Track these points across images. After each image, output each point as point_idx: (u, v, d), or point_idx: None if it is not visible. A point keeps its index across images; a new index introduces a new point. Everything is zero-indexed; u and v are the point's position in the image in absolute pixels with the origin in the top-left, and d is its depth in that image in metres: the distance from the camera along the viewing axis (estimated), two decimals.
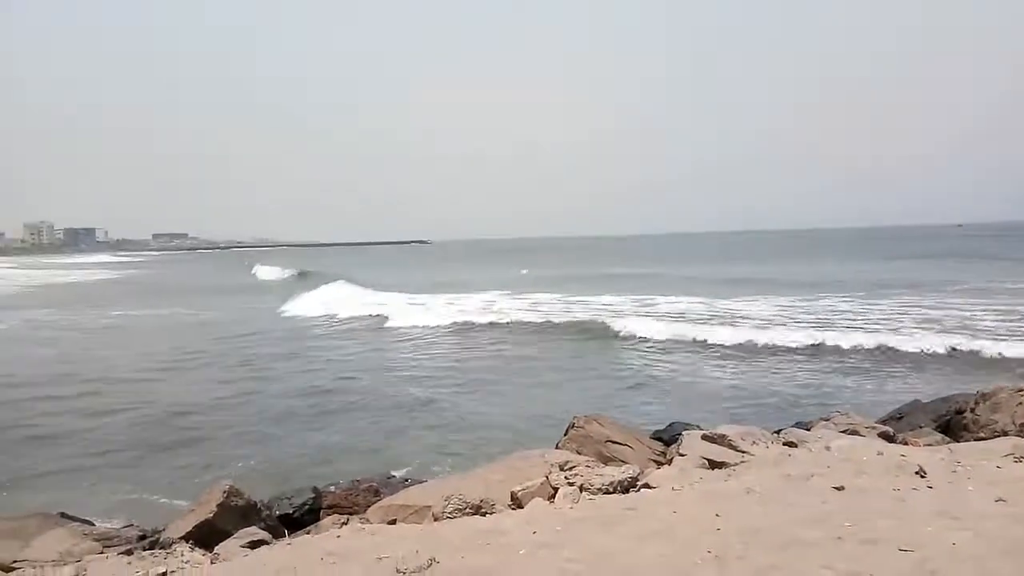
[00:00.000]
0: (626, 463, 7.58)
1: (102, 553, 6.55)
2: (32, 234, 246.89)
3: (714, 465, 7.01)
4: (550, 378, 16.66)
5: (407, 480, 9.62)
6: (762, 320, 24.00)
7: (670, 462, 7.75)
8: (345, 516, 7.43)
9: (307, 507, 8.31)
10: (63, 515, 7.89)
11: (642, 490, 6.40)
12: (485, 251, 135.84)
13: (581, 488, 6.42)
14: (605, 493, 6.40)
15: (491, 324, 25.71)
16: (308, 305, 34.22)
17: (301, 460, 11.17)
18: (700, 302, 29.41)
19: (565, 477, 6.64)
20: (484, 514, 6.13)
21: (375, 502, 7.84)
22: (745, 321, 23.90)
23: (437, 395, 14.86)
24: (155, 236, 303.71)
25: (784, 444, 7.51)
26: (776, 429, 9.18)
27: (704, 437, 7.66)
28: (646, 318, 24.61)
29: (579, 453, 7.96)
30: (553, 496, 6.44)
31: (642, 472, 7.15)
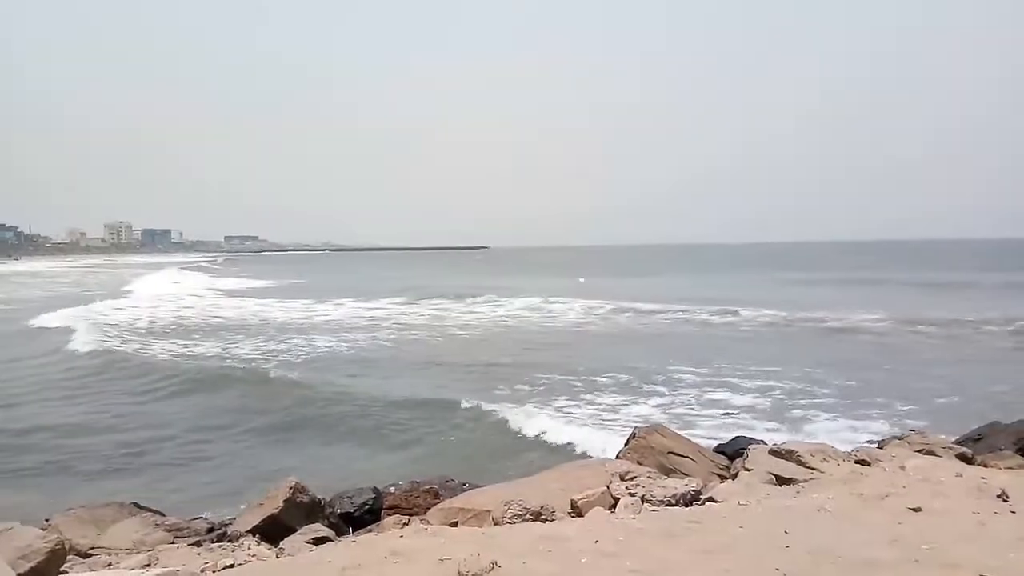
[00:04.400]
0: (688, 476, 7.45)
1: (173, 543, 6.77)
2: (112, 234, 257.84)
3: (782, 481, 6.82)
4: None
5: (465, 484, 9.67)
6: None
7: (735, 476, 7.58)
8: (406, 517, 7.50)
9: (367, 507, 8.40)
10: (136, 505, 8.18)
11: (706, 503, 6.28)
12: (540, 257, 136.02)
13: (643, 499, 6.34)
14: (667, 505, 6.31)
15: None
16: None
17: None
18: None
19: (626, 487, 6.57)
20: (544, 521, 6.10)
21: (434, 504, 7.90)
22: None
23: None
24: (227, 238, 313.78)
25: (856, 462, 7.26)
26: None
27: (771, 452, 7.47)
28: None
29: (640, 464, 7.86)
30: (614, 506, 6.38)
31: (705, 485, 7.02)
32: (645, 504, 6.22)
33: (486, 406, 13.62)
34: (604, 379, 16.56)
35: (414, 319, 31.85)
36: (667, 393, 15.13)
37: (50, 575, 5.20)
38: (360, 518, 8.19)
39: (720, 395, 14.85)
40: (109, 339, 25.02)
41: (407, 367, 19.39)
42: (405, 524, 6.86)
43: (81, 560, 6.19)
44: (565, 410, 13.68)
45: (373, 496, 8.54)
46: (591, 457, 10.18)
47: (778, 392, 14.99)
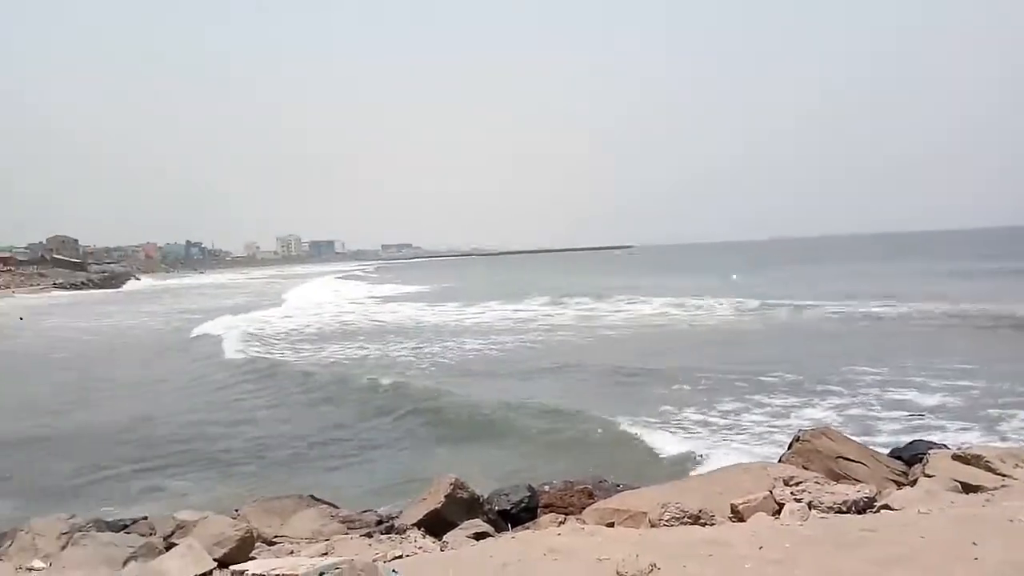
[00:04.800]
0: (860, 482, 7.01)
1: (346, 534, 7.23)
2: (283, 246, 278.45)
3: (968, 489, 6.27)
4: None
5: (619, 485, 9.61)
6: None
7: (913, 483, 7.05)
8: (562, 516, 7.56)
9: (523, 504, 8.53)
10: (313, 497, 8.79)
11: (881, 511, 5.88)
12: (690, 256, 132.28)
13: (810, 505, 6.04)
14: (837, 512, 5.97)
15: None
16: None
17: None
18: None
19: (791, 492, 6.28)
20: (703, 524, 5.96)
21: (589, 504, 7.91)
22: None
23: None
24: (384, 247, 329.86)
25: None
26: None
27: (955, 457, 6.87)
28: None
29: (805, 468, 7.48)
30: (778, 512, 6.12)
31: (879, 492, 6.59)
32: (813, 510, 5.92)
33: (640, 410, 13.45)
34: (770, 379, 15.81)
35: (561, 319, 32.05)
36: (844, 393, 14.22)
37: (240, 560, 5.69)
38: (517, 515, 8.34)
39: (904, 395, 13.82)
40: (276, 343, 27.12)
41: (555, 369, 19.37)
42: (561, 523, 6.92)
43: (267, 547, 6.73)
44: (731, 415, 13.13)
45: (529, 494, 8.66)
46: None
47: (973, 391, 13.75)
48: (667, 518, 6.00)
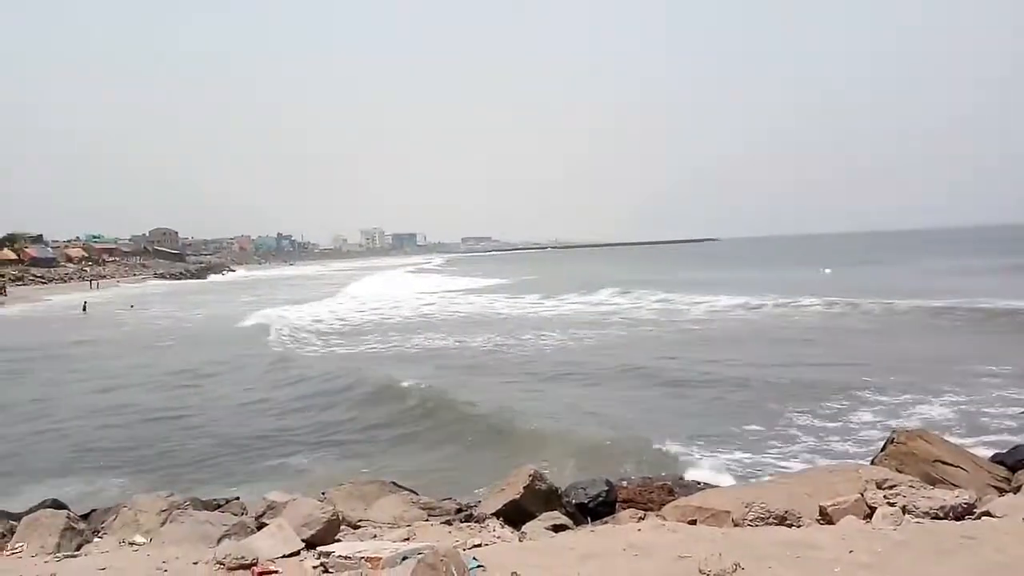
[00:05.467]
0: (958, 487, 6.66)
1: (427, 520, 7.35)
2: (367, 239, 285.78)
3: None
4: None
5: (700, 483, 9.45)
6: None
7: (1017, 490, 6.66)
8: (641, 511, 7.48)
9: (601, 499, 8.48)
10: (395, 484, 9.00)
11: (981, 518, 5.57)
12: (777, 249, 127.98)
13: (904, 510, 5.78)
14: (933, 518, 5.69)
15: None
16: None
17: None
18: None
19: (884, 496, 6.03)
20: (789, 526, 5.80)
21: (670, 501, 7.80)
22: None
23: None
24: (463, 240, 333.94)
25: None
26: None
27: None
28: None
29: (899, 471, 7.16)
30: (869, 516, 5.88)
31: (980, 499, 6.24)
32: (907, 515, 5.66)
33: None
34: (885, 380, 15.05)
35: (642, 313, 31.66)
36: (960, 393, 13.60)
37: (327, 542, 5.86)
38: (594, 509, 8.30)
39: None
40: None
41: (638, 367, 18.69)
42: (641, 518, 6.85)
43: (352, 531, 6.92)
44: (838, 416, 12.65)
45: (606, 489, 8.61)
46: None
47: None
48: (751, 518, 5.86)
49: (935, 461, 7.29)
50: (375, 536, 6.56)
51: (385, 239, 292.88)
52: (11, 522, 7.39)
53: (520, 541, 6.06)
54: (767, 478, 9.11)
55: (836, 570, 4.32)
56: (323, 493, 8.41)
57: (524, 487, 7.58)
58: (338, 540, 6.18)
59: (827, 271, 57.51)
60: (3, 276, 76.03)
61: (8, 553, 6.29)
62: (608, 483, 8.75)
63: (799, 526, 5.75)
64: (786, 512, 5.89)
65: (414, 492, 8.84)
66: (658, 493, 8.60)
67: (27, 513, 7.38)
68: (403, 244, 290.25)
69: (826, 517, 6.03)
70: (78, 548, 6.51)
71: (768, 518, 5.86)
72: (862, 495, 6.18)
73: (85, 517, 7.96)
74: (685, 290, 40.27)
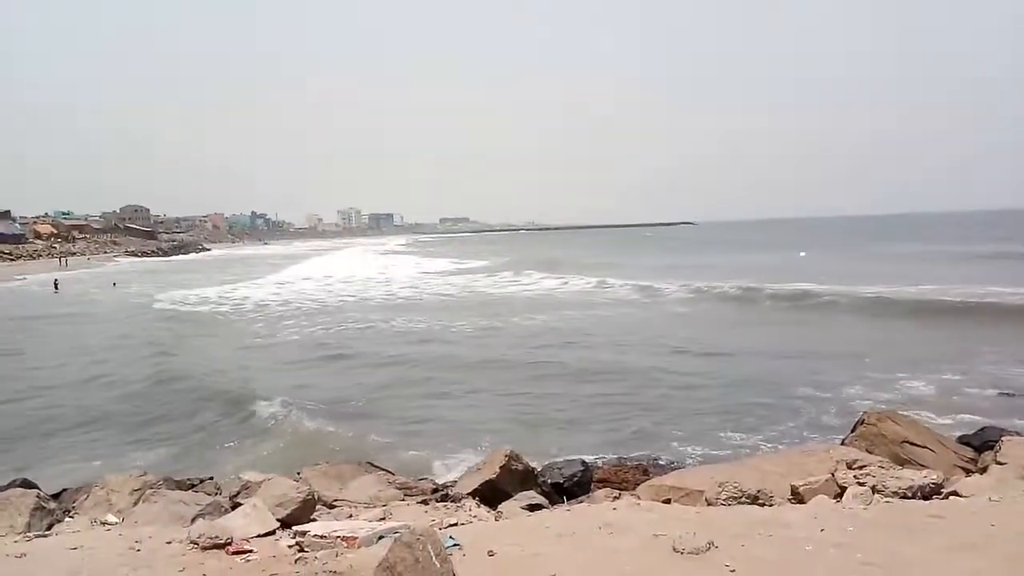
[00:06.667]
0: (926, 467, 6.80)
1: (403, 500, 7.36)
2: (344, 219, 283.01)
3: None
4: None
5: (673, 463, 9.56)
6: None
7: (983, 470, 6.80)
8: (616, 491, 7.56)
9: (576, 479, 8.55)
10: (371, 464, 8.98)
11: (949, 498, 5.69)
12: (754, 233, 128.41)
13: (874, 489, 5.88)
14: (902, 497, 5.80)
15: None
16: None
17: None
18: None
19: (855, 476, 6.13)
20: (761, 505, 5.87)
21: (644, 480, 7.88)
22: None
23: None
24: (441, 220, 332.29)
25: None
26: None
27: None
28: None
29: (869, 452, 7.29)
30: (839, 495, 5.98)
31: (947, 479, 6.37)
32: (876, 495, 5.76)
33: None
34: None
35: (620, 292, 31.87)
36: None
37: (302, 522, 5.85)
38: (569, 489, 8.38)
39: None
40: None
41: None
42: (616, 498, 6.92)
43: (327, 510, 6.90)
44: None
45: (582, 469, 8.68)
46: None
47: None
48: (724, 497, 5.93)
49: (903, 442, 7.44)
50: (351, 516, 6.54)
51: (362, 219, 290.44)
52: None
53: (496, 520, 6.09)
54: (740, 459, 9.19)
55: (808, 548, 4.39)
56: (298, 473, 8.37)
57: (500, 467, 7.62)
58: (313, 520, 6.17)
59: (802, 254, 58.09)
60: None
61: None
62: (584, 463, 8.82)
63: (771, 505, 5.83)
64: (758, 491, 5.96)
65: (390, 472, 8.83)
66: (633, 473, 8.69)
67: None
68: (380, 224, 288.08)
69: (798, 496, 6.12)
70: (49, 528, 6.44)
71: (741, 497, 5.93)
72: (832, 475, 6.29)
73: (56, 496, 7.87)
74: (663, 275, 40.36)
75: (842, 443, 8.04)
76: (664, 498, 6.53)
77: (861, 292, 26.86)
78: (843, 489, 5.99)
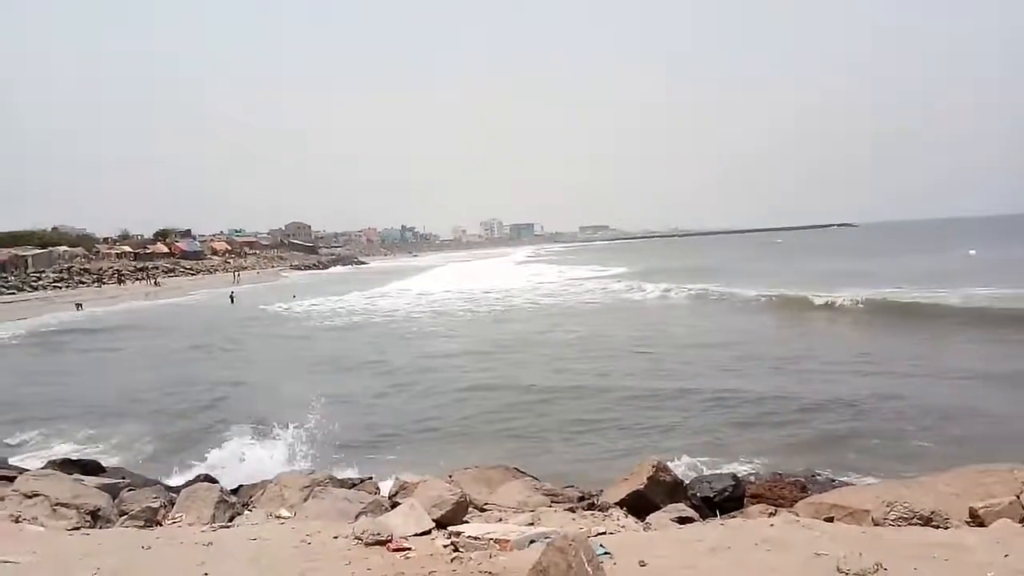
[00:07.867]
0: None
1: (550, 507, 7.43)
2: (486, 229, 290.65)
3: None
4: None
5: (834, 480, 9.06)
6: None
7: None
8: (772, 507, 7.26)
9: (727, 493, 8.31)
10: (518, 470, 9.14)
11: None
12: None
13: None
14: None
15: None
16: None
17: None
18: None
19: None
20: (935, 527, 5.45)
21: (802, 497, 7.53)
22: None
23: None
24: (581, 228, 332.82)
25: None
26: None
27: None
28: None
29: None
30: None
31: None
32: None
33: None
34: None
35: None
36: None
37: (456, 523, 6.06)
38: (720, 504, 8.15)
39: None
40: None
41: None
42: (772, 514, 6.65)
43: (478, 513, 7.10)
44: None
45: (733, 483, 8.43)
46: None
47: None
48: (893, 517, 5.56)
49: None
50: (500, 519, 6.70)
51: (503, 229, 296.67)
52: (171, 494, 8.10)
53: (645, 531, 6.03)
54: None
55: (989, 574, 4.04)
56: (450, 476, 8.66)
57: (648, 478, 7.54)
58: (465, 522, 6.37)
59: (972, 252, 53.29)
60: (157, 268, 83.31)
61: (169, 522, 6.90)
62: (735, 477, 8.55)
63: (947, 528, 5.41)
64: (932, 512, 5.55)
65: (536, 479, 8.96)
66: (790, 489, 8.32)
67: (185, 486, 8.07)
68: (521, 234, 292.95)
69: (977, 519, 5.64)
70: (231, 519, 7.05)
71: (912, 518, 5.53)
72: (1018, 497, 5.74)
73: (235, 491, 8.60)
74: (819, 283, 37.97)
75: None
76: (825, 516, 6.21)
77: None
78: None
